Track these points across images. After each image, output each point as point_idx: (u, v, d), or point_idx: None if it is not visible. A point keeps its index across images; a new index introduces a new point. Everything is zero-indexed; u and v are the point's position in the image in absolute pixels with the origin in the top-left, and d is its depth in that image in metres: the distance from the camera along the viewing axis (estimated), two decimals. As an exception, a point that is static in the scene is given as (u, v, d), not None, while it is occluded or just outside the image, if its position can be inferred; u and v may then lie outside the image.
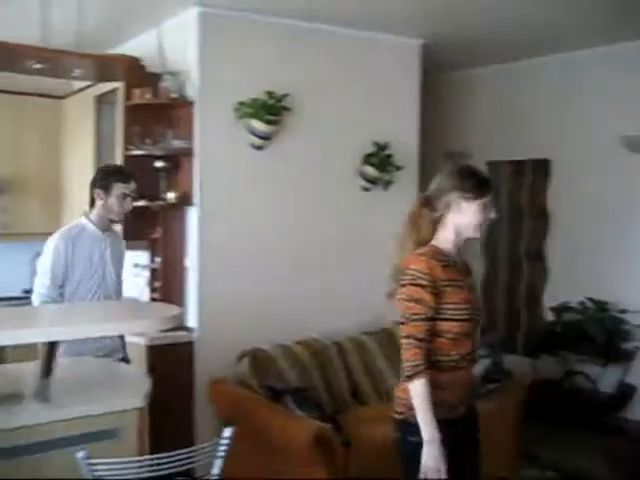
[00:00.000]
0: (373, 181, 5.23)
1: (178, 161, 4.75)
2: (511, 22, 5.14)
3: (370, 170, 5.17)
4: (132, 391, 3.04)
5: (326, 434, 3.71)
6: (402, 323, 2.60)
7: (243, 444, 3.80)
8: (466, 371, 2.75)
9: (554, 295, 6.30)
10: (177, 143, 4.68)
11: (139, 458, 2.52)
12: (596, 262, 6.08)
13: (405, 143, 5.49)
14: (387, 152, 5.21)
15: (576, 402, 5.83)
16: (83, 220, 3.82)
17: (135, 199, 3.93)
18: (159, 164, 4.72)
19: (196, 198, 4.65)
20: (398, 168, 5.27)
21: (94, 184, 3.82)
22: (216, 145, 4.66)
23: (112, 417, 2.83)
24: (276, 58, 4.90)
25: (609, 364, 5.64)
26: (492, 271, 7.09)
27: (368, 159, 5.19)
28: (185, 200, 4.66)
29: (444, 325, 2.62)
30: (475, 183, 2.76)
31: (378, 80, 5.42)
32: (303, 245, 5.03)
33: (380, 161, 5.16)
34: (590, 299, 5.85)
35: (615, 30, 5.42)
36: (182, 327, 4.48)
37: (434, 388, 2.58)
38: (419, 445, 2.56)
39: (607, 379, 5.78)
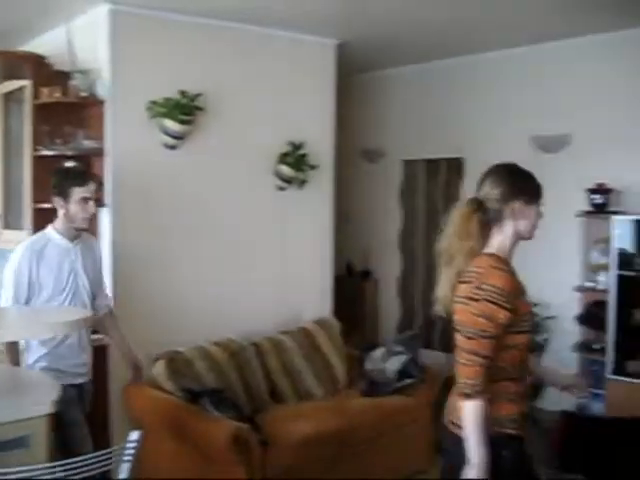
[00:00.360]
0: (288, 180, 5.24)
1: (89, 161, 4.65)
2: (424, 24, 5.23)
3: (285, 169, 5.18)
4: (41, 398, 2.96)
5: (243, 434, 3.71)
6: (468, 337, 2.44)
7: (162, 447, 3.80)
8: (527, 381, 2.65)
9: (469, 291, 6.43)
10: (88, 143, 4.58)
11: (46, 465, 2.46)
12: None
13: (320, 142, 5.52)
14: (302, 151, 5.23)
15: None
16: (49, 231, 3.54)
17: (98, 201, 3.68)
18: (69, 164, 4.60)
19: (108, 199, 4.56)
20: (313, 167, 5.30)
21: (51, 192, 3.55)
22: (128, 145, 4.58)
23: (20, 425, 2.74)
24: (190, 57, 4.86)
25: (522, 356, 5.79)
26: (409, 267, 7.20)
27: (283, 158, 5.19)
28: (96, 201, 4.55)
29: (518, 337, 2.49)
30: (535, 185, 2.69)
31: (294, 79, 5.43)
32: (218, 245, 5.00)
33: (295, 160, 5.17)
34: (502, 294, 5.99)
35: (526, 32, 5.58)
36: (96, 331, 4.38)
37: (510, 401, 2.50)
38: (515, 458, 2.50)
39: (520, 371, 5.94)
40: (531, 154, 6.06)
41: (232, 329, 4.83)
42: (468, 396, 2.41)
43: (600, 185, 5.44)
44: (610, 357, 5.09)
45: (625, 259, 5.12)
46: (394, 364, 4.79)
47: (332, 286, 5.76)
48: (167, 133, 4.61)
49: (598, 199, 5.43)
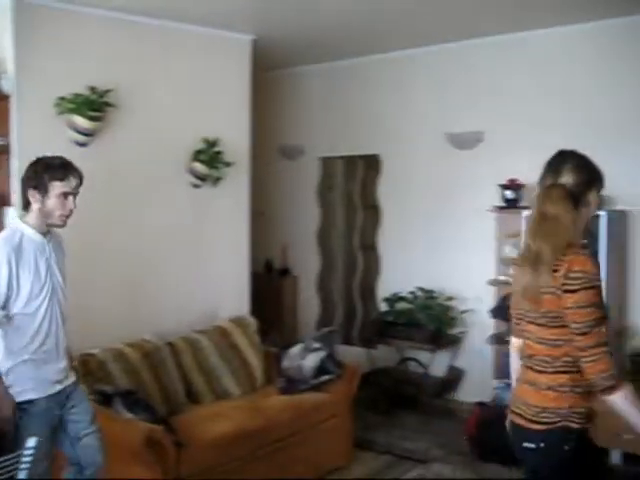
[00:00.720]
0: (202, 178, 5.17)
1: (-6, 159, 4.49)
2: (341, 20, 5.25)
3: (199, 167, 5.10)
4: None
5: (156, 435, 3.64)
6: (583, 334, 2.37)
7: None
8: None
9: (387, 286, 6.50)
10: (-7, 140, 4.43)
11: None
12: (424, 253, 6.33)
13: (236, 139, 5.47)
14: (217, 148, 5.16)
15: (410, 388, 6.06)
16: (20, 225, 3.20)
17: (76, 195, 3.29)
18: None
19: (14, 198, 4.39)
20: (228, 164, 5.23)
21: (26, 184, 3.22)
22: (35, 142, 4.38)
23: None
24: (100, 52, 4.72)
25: (439, 350, 5.90)
26: (328, 264, 7.22)
27: (197, 156, 5.12)
28: (2, 200, 4.40)
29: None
30: (602, 173, 2.63)
31: (208, 75, 5.37)
32: (131, 244, 4.88)
33: (210, 158, 5.10)
34: (420, 288, 6.08)
35: (441, 31, 5.68)
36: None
37: (577, 394, 2.47)
38: (576, 451, 2.43)
39: (437, 364, 6.05)
40: (446, 151, 6.17)
41: (147, 329, 4.73)
42: (613, 388, 2.36)
43: (512, 181, 5.56)
44: (522, 348, 5.20)
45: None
46: (312, 361, 4.79)
47: (249, 284, 5.72)
48: (76, 130, 4.48)
49: (510, 194, 5.55)
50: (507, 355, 5.53)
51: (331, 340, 5.05)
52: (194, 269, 5.24)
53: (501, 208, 5.63)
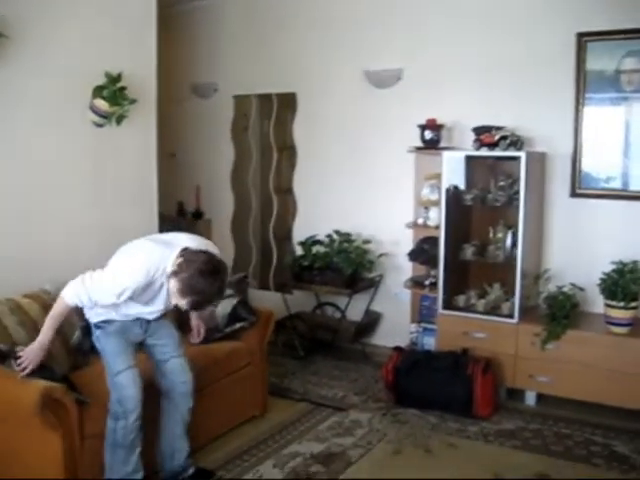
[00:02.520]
0: (105, 116, 4.79)
1: None
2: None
3: (102, 103, 4.71)
4: None
5: (54, 394, 3.38)
6: None
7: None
8: None
9: (303, 229, 6.33)
10: None
11: None
12: (341, 195, 6.18)
13: (142, 75, 5.07)
14: (120, 84, 4.78)
15: (327, 333, 5.96)
16: None
17: None
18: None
19: None
20: (132, 101, 4.85)
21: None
22: None
23: None
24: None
25: (355, 294, 5.79)
26: (243, 206, 7.00)
27: (99, 92, 4.73)
28: None
29: None
30: None
31: (110, 6, 4.95)
32: (29, 183, 4.46)
33: (112, 94, 4.72)
34: (337, 232, 5.94)
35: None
36: None
37: None
38: None
39: (354, 309, 5.95)
40: (364, 89, 5.99)
41: (46, 278, 4.39)
42: None
43: (431, 121, 5.42)
44: (440, 292, 5.14)
45: (455, 195, 5.16)
46: (224, 308, 4.59)
47: (158, 229, 5.42)
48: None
49: (429, 135, 5.42)
50: (425, 298, 5.52)
51: (242, 286, 4.85)
52: (98, 215, 4.89)
53: (420, 149, 5.50)
